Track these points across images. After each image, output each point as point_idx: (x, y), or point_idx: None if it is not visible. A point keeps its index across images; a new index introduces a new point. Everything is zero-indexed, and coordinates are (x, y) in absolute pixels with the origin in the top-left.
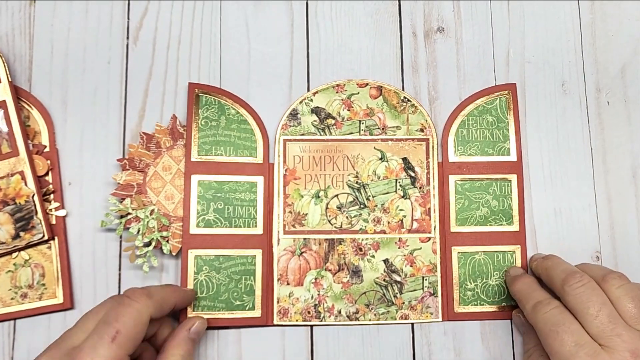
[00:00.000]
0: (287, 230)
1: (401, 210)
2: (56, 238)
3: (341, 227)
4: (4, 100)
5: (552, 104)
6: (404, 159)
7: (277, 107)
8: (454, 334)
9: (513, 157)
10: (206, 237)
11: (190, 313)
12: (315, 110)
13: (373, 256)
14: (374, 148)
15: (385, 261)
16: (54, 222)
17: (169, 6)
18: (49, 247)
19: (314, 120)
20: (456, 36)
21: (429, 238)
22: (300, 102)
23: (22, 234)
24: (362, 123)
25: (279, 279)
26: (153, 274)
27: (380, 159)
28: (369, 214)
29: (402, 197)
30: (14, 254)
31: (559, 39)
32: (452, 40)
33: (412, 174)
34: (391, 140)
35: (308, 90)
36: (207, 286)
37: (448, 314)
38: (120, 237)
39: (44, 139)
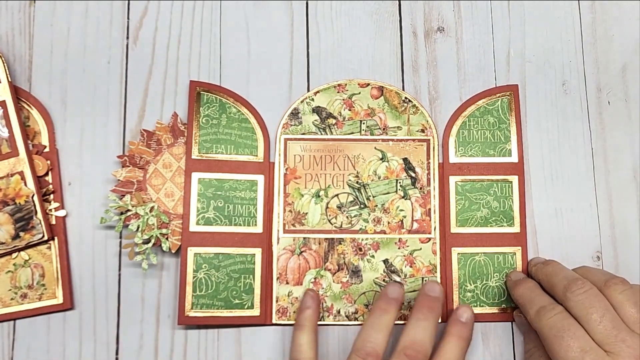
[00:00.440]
0: (287, 230)
1: (401, 210)
2: (56, 238)
3: (341, 226)
4: (4, 101)
5: (552, 104)
6: (405, 160)
7: (277, 106)
8: None
9: (514, 159)
10: (206, 235)
11: (189, 311)
12: (317, 110)
13: (373, 256)
14: (375, 148)
15: (385, 261)
16: (53, 222)
17: (169, 6)
18: (49, 248)
19: (315, 120)
20: (456, 36)
21: (429, 239)
22: (302, 102)
23: (21, 234)
24: (363, 123)
25: (278, 278)
26: (152, 272)
27: (381, 159)
28: (369, 214)
29: (403, 197)
30: (14, 254)
31: (559, 38)
32: (453, 40)
33: (413, 175)
34: (392, 140)
35: (308, 89)
36: (206, 284)
37: (447, 315)
38: (120, 234)
39: (44, 139)
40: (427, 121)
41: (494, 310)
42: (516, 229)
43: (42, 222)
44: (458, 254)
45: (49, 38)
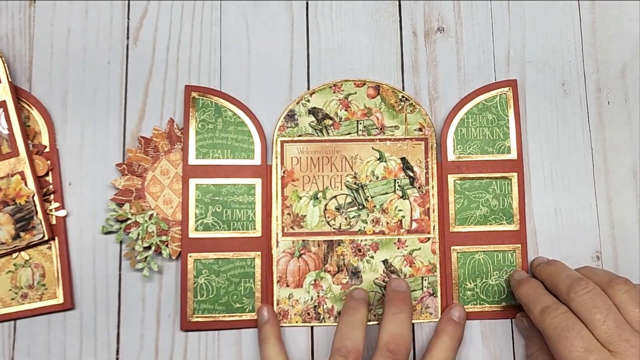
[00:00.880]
0: (285, 232)
1: (400, 210)
2: (56, 238)
3: (340, 228)
4: (4, 101)
5: (552, 104)
6: (403, 159)
7: (278, 107)
8: None
9: (513, 155)
10: (205, 241)
11: (191, 317)
12: (313, 111)
13: (372, 257)
14: (372, 148)
15: (385, 262)
16: (54, 222)
17: (169, 6)
18: (49, 248)
19: (312, 121)
20: (456, 36)
21: (428, 238)
22: (297, 103)
23: (22, 234)
24: (360, 123)
25: (278, 281)
26: (153, 277)
27: (379, 159)
28: (368, 215)
29: (401, 197)
30: (14, 255)
31: (559, 38)
32: (453, 40)
33: (411, 174)
34: (389, 140)
35: (308, 90)
36: (207, 289)
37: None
38: (120, 242)
39: (44, 139)
40: (425, 119)
41: (494, 308)
42: (516, 226)
43: (43, 222)
44: (457, 252)
45: (49, 38)
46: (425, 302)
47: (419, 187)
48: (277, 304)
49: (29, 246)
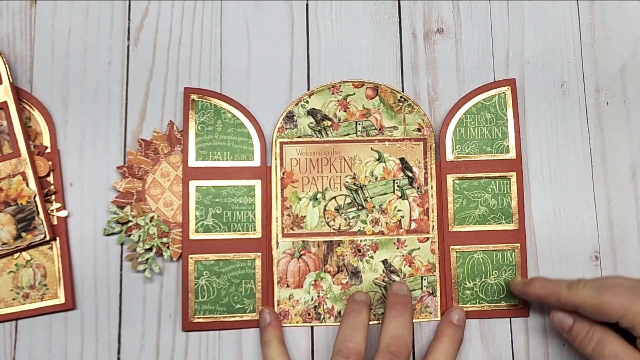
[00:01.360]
0: (285, 233)
1: (399, 210)
2: (58, 238)
3: (339, 228)
4: (5, 101)
5: (551, 105)
6: (402, 159)
7: (278, 108)
8: None
9: (512, 155)
10: (206, 243)
11: (192, 318)
12: (312, 112)
13: (372, 257)
14: (371, 149)
15: (384, 262)
16: (55, 222)
17: (169, 7)
18: (51, 248)
19: (310, 122)
20: (456, 37)
21: (428, 238)
22: (296, 104)
23: (23, 234)
24: (359, 124)
25: (278, 282)
26: (155, 279)
27: (378, 159)
28: (367, 215)
29: (400, 197)
30: (16, 255)
31: (558, 39)
32: (452, 41)
33: (410, 174)
34: (388, 140)
35: (307, 92)
36: (207, 290)
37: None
38: (122, 244)
39: (45, 140)
40: (423, 120)
41: (493, 307)
42: (514, 226)
43: (44, 223)
44: (457, 252)
45: (50, 39)
46: (424, 302)
47: (418, 187)
48: (278, 305)
49: (30, 246)
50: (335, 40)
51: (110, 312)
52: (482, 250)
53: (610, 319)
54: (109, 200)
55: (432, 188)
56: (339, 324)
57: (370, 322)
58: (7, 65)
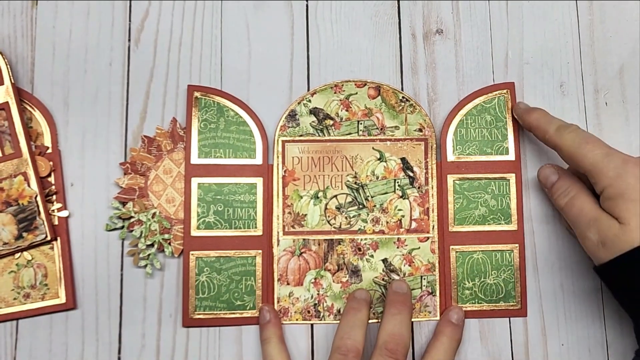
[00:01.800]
0: (286, 231)
1: (400, 210)
2: (59, 238)
3: (340, 227)
4: (7, 102)
5: (550, 105)
6: (403, 159)
7: (278, 108)
8: None
9: (511, 157)
10: (207, 239)
11: (193, 314)
12: (314, 111)
13: (372, 256)
14: (373, 148)
15: (384, 261)
16: (56, 222)
17: (170, 8)
18: (52, 248)
19: (313, 121)
20: (455, 38)
21: (428, 238)
22: (299, 103)
23: (25, 234)
24: (361, 123)
25: (279, 279)
26: (155, 275)
27: (379, 159)
28: (368, 214)
29: (401, 197)
30: (17, 255)
31: (557, 40)
32: (451, 41)
33: (411, 174)
34: (390, 140)
35: (308, 91)
36: (208, 287)
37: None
38: (123, 240)
39: (47, 140)
40: (425, 120)
41: (492, 307)
42: (514, 226)
43: (45, 223)
44: (456, 252)
45: (51, 40)
46: (424, 301)
47: (419, 187)
48: (278, 302)
49: (31, 246)
50: (335, 41)
51: (110, 312)
52: (481, 251)
53: (580, 169)
54: (109, 201)
55: (432, 188)
56: (338, 321)
57: (370, 321)
58: (8, 66)
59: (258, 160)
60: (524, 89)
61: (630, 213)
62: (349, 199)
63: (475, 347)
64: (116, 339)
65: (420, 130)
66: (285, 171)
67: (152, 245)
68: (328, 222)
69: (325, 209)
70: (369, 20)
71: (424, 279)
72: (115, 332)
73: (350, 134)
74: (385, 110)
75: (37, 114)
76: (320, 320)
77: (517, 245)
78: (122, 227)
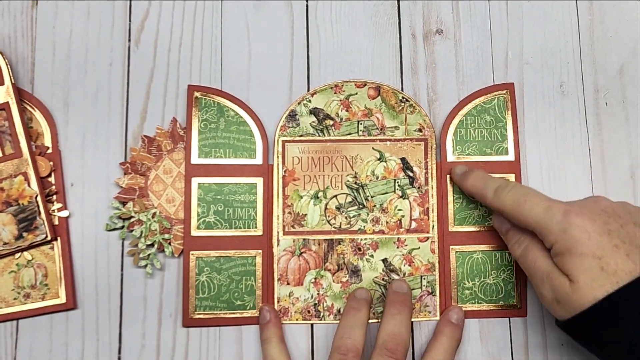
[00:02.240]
0: (286, 231)
1: (400, 210)
2: (59, 238)
3: (340, 227)
4: (7, 102)
5: (550, 105)
6: (403, 159)
7: (278, 108)
8: None
9: (511, 157)
10: (207, 239)
11: (193, 314)
12: (314, 111)
13: (372, 256)
14: (373, 148)
15: (384, 261)
16: (56, 222)
17: (170, 8)
18: (52, 248)
19: (313, 121)
20: (455, 38)
21: (428, 237)
22: (299, 103)
23: (25, 234)
24: (361, 123)
25: (279, 279)
26: (155, 275)
27: (379, 159)
28: (368, 214)
29: (401, 197)
30: (17, 255)
31: (557, 40)
32: (451, 41)
33: (411, 174)
34: (389, 140)
35: (308, 91)
36: (208, 287)
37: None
38: (123, 240)
39: (47, 141)
40: (425, 120)
41: (492, 307)
42: None
43: (45, 223)
44: (456, 252)
45: (51, 40)
46: (424, 301)
47: (419, 187)
48: (278, 302)
49: (31, 246)
50: (335, 41)
51: (111, 312)
52: (481, 251)
53: (526, 227)
54: (109, 201)
55: (432, 188)
56: (338, 321)
57: (370, 321)
58: (8, 66)
59: (258, 160)
60: (524, 89)
61: (578, 270)
62: (349, 199)
63: (475, 347)
64: (116, 339)
65: (420, 130)
66: (285, 171)
67: (152, 245)
68: (328, 222)
69: (325, 209)
70: (369, 20)
71: (424, 279)
72: (116, 332)
73: (350, 134)
74: (385, 110)
75: (37, 114)
76: (320, 320)
77: None
78: (122, 227)
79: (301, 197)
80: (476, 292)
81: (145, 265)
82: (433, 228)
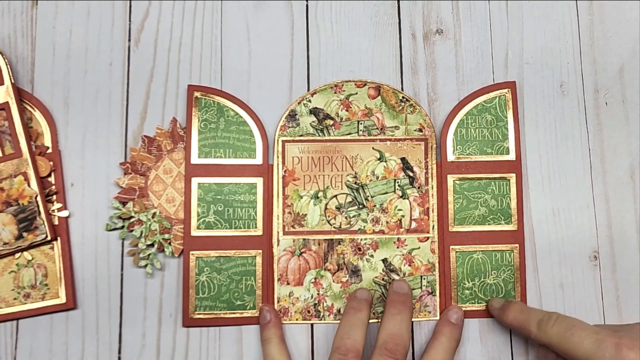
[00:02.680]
0: (286, 231)
1: (400, 210)
2: (59, 238)
3: (340, 227)
4: (7, 102)
5: (550, 105)
6: (403, 159)
7: (278, 108)
8: None
9: (512, 156)
10: (207, 239)
11: (193, 314)
12: (314, 111)
13: (372, 256)
14: (373, 148)
15: (384, 261)
16: (56, 222)
17: (170, 8)
18: (52, 248)
19: (313, 121)
20: (455, 38)
21: (428, 237)
22: (299, 103)
23: (25, 234)
24: (361, 123)
25: (279, 279)
26: (155, 275)
27: (379, 159)
28: (368, 214)
29: (401, 197)
30: (17, 255)
31: (557, 40)
32: (451, 41)
33: (411, 174)
34: (390, 140)
35: (308, 91)
36: (208, 287)
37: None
38: (123, 240)
39: (47, 140)
40: (425, 120)
41: None
42: (514, 226)
43: (45, 223)
44: (456, 252)
45: (51, 40)
46: (424, 301)
47: (419, 187)
48: (278, 302)
49: (31, 246)
50: (335, 41)
51: (111, 312)
52: (481, 251)
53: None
54: (109, 201)
55: (432, 188)
56: (338, 321)
57: (370, 321)
58: (8, 66)
59: (258, 160)
60: (524, 89)
61: None
62: (349, 199)
63: (475, 347)
64: (116, 338)
65: (420, 130)
66: (285, 171)
67: (152, 245)
68: (328, 222)
69: (325, 208)
70: (369, 20)
71: (424, 278)
72: (116, 332)
73: (350, 134)
74: (385, 110)
75: (37, 114)
76: (320, 320)
77: (517, 245)
78: (122, 227)
79: (301, 197)
80: (476, 292)
81: (145, 265)
82: (433, 228)
